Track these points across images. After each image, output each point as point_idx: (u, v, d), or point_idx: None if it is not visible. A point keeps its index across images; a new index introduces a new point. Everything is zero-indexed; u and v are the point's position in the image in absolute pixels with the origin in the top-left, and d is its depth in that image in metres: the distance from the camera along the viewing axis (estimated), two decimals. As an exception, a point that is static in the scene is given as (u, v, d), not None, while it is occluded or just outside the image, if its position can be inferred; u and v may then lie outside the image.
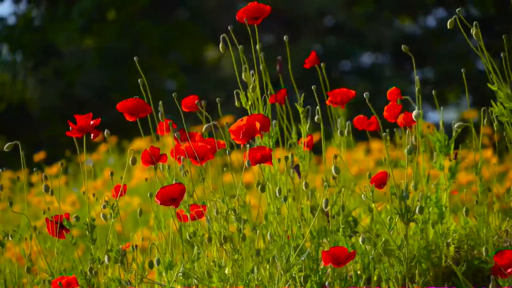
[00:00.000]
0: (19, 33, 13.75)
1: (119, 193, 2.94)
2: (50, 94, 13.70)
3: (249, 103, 3.06)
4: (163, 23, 13.90)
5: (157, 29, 13.80)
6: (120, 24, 13.79)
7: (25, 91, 13.74)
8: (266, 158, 2.80)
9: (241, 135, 2.79)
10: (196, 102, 3.07)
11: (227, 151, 2.88)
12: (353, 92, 3.11)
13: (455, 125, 2.99)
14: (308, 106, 3.13)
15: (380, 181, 2.93)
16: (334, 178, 3.00)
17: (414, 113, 2.76)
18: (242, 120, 2.79)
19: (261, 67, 3.09)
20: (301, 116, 3.07)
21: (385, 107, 3.22)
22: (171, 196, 2.70)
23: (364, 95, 2.77)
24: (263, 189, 2.92)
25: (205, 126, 2.99)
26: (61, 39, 13.57)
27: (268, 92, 3.12)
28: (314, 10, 13.86)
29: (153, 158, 2.88)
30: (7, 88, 13.76)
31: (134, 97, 2.93)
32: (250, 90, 3.06)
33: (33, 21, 13.92)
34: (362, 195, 2.80)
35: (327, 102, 3.15)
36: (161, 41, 13.74)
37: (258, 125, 2.78)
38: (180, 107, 3.05)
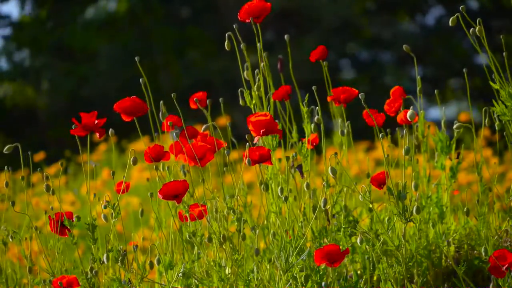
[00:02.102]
0: (31, 34, 13.78)
1: (121, 191, 2.95)
2: (59, 95, 13.72)
3: (253, 101, 3.07)
4: (173, 24, 13.92)
5: (168, 31, 13.82)
6: (132, 26, 13.81)
7: (36, 97, 13.75)
8: (264, 158, 2.81)
9: (261, 131, 2.79)
10: (195, 99, 3.08)
11: (226, 152, 2.88)
12: (356, 91, 3.10)
13: (455, 126, 2.99)
14: (312, 107, 3.13)
15: (380, 181, 2.93)
16: (334, 177, 3.00)
17: (409, 113, 2.75)
18: (266, 115, 2.80)
19: (262, 65, 3.09)
20: (305, 116, 3.07)
21: (386, 101, 3.22)
22: (175, 193, 2.73)
23: (360, 96, 2.77)
24: (266, 188, 2.92)
25: (204, 126, 3.00)
26: (73, 41, 13.60)
27: (270, 92, 3.13)
28: (319, 10, 13.88)
29: (157, 155, 2.90)
30: (17, 94, 13.78)
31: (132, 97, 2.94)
32: (255, 89, 3.07)
33: (46, 21, 13.95)
34: (360, 196, 2.80)
35: (329, 98, 3.14)
36: (173, 42, 13.75)
37: (278, 124, 2.80)
38: (178, 106, 3.06)
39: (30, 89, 13.95)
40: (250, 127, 2.81)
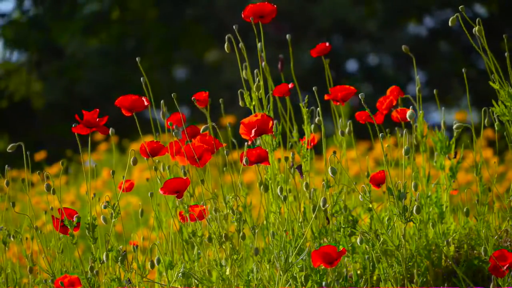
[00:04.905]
0: (24, 33, 13.75)
1: (124, 190, 2.95)
2: (53, 92, 13.71)
3: (253, 103, 3.07)
4: (168, 22, 13.90)
5: (162, 28, 13.80)
6: (124, 24, 13.80)
7: (30, 82, 13.72)
8: (262, 159, 2.81)
9: (253, 131, 2.79)
10: (193, 99, 3.08)
11: (225, 152, 2.89)
12: (354, 89, 3.10)
13: (454, 126, 2.99)
14: (312, 108, 3.13)
15: (378, 181, 2.93)
16: (333, 177, 3.00)
17: (408, 113, 2.76)
18: (256, 115, 2.80)
19: (263, 64, 3.09)
20: (305, 117, 3.07)
21: (379, 98, 3.22)
22: (176, 189, 2.77)
23: (360, 96, 2.77)
24: (266, 189, 2.92)
25: (203, 127, 3.00)
26: (65, 38, 13.59)
27: (270, 92, 3.13)
28: (322, 11, 13.86)
29: (153, 150, 2.91)
30: (13, 78, 13.74)
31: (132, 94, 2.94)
32: (255, 89, 3.07)
33: (37, 20, 13.93)
34: (360, 196, 2.80)
35: (326, 96, 3.14)
36: (166, 39, 13.73)
37: (271, 123, 2.79)
38: (178, 105, 3.06)
39: (25, 75, 13.94)
40: (241, 130, 2.81)
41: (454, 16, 2.87)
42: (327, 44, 3.32)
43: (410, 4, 13.97)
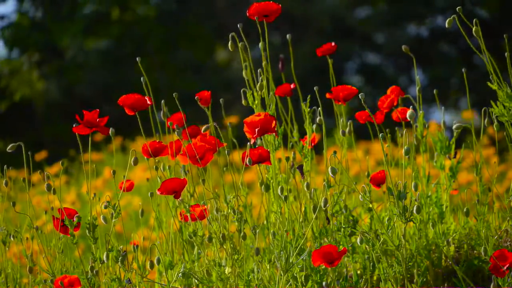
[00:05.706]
0: (25, 34, 13.77)
1: (124, 189, 2.96)
2: (53, 92, 13.74)
3: (256, 102, 3.07)
4: (168, 22, 13.91)
5: (162, 29, 13.81)
6: (124, 25, 13.81)
7: (36, 82, 13.73)
8: (263, 158, 2.81)
9: (256, 130, 2.80)
10: (196, 98, 3.08)
11: (226, 151, 2.89)
12: (355, 89, 3.11)
13: (454, 126, 2.99)
14: (314, 107, 3.13)
15: (378, 181, 2.93)
16: (334, 177, 3.00)
17: (408, 113, 2.76)
18: (259, 115, 2.81)
19: (263, 64, 3.10)
20: (307, 116, 3.07)
21: (381, 97, 3.23)
22: (174, 189, 2.79)
23: (360, 96, 2.77)
24: (267, 189, 2.92)
25: (204, 127, 3.01)
26: (65, 40, 13.61)
27: (271, 93, 3.13)
28: (322, 12, 13.86)
29: (155, 150, 2.91)
30: (19, 76, 13.75)
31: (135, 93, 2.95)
32: (258, 89, 3.07)
33: (37, 21, 13.95)
34: (360, 196, 2.80)
35: (327, 95, 3.15)
36: (165, 40, 13.74)
37: (274, 123, 2.80)
38: (180, 105, 3.06)
39: (28, 74, 13.95)
40: (245, 128, 2.81)
41: (451, 17, 2.87)
42: (333, 43, 3.33)
43: (413, 8, 13.98)
